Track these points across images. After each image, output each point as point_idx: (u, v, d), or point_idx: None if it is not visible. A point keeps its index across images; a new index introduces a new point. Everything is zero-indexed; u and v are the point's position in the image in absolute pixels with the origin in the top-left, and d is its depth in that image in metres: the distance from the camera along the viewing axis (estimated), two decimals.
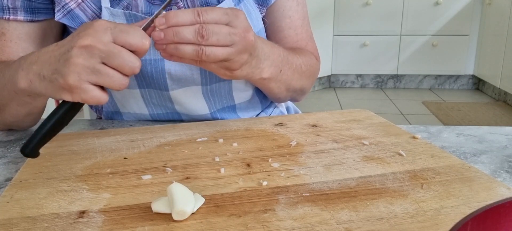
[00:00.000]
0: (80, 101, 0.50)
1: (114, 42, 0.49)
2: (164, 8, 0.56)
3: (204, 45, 0.54)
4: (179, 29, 0.53)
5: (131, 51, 0.50)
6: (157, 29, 0.54)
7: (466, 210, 0.42)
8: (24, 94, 0.56)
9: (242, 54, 0.58)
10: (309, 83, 0.79)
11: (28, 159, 0.55)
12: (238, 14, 0.56)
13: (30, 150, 0.48)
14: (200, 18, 0.53)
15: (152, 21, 0.54)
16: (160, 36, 0.53)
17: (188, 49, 0.54)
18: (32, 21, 0.68)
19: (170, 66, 0.69)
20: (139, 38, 0.50)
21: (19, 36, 0.69)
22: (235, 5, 0.70)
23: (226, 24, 0.55)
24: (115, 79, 0.50)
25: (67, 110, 0.51)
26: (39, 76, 0.52)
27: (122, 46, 0.49)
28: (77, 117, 0.60)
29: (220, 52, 0.55)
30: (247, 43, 0.57)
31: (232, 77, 0.61)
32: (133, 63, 0.50)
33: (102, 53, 0.49)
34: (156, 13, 0.54)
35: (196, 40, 0.53)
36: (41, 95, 0.55)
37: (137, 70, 0.51)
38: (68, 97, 0.50)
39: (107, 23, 0.50)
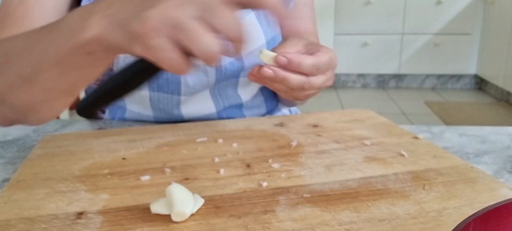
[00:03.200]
0: (150, 57, 0.38)
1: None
2: None
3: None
4: (290, 78, 0.56)
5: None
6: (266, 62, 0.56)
7: (469, 211, 0.41)
8: (84, 51, 0.41)
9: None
10: None
11: (26, 159, 0.55)
12: (335, 64, 0.62)
13: (82, 107, 0.41)
14: (316, 72, 0.57)
15: None
16: (270, 75, 0.56)
17: (278, 86, 0.59)
18: None
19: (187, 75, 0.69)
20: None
21: None
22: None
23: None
24: (205, 42, 0.36)
25: (138, 71, 0.40)
26: (113, 21, 0.39)
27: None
28: (74, 117, 0.57)
29: (304, 95, 0.61)
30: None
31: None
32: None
33: (203, 5, 0.36)
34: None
35: (294, 87, 0.58)
36: (110, 49, 0.41)
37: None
38: (139, 50, 0.38)
39: None
